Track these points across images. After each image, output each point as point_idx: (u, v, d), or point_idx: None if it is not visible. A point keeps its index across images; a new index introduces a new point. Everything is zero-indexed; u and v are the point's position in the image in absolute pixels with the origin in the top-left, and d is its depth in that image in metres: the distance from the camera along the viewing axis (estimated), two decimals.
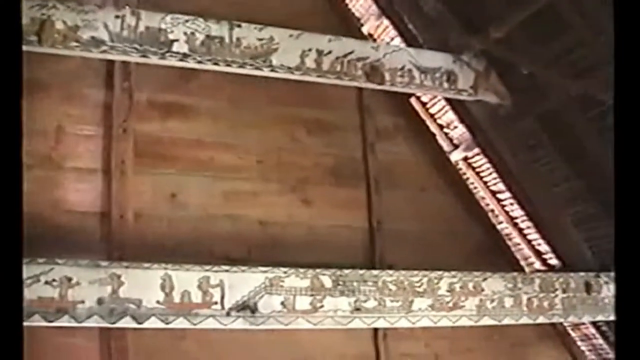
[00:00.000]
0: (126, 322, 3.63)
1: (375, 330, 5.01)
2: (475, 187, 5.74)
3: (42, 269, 3.47)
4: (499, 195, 5.65)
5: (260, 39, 4.28)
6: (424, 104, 5.76)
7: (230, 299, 3.81)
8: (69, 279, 3.51)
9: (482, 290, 4.42)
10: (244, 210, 4.96)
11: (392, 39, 5.57)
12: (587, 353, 5.74)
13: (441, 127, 5.75)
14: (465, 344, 5.31)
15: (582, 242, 5.09)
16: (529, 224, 5.55)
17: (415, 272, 4.30)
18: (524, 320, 4.53)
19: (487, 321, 4.41)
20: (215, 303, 3.78)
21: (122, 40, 3.96)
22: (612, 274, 4.75)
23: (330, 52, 4.44)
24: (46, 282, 3.47)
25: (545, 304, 4.59)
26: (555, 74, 4.59)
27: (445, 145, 5.75)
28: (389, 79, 4.58)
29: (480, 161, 5.61)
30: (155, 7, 4.17)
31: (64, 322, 3.50)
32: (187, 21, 4.12)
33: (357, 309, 4.08)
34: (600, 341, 5.56)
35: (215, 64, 4.18)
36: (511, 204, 5.60)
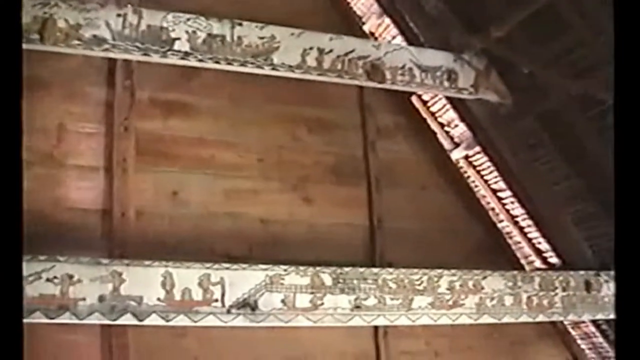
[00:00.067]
0: (127, 320, 3.64)
1: (376, 328, 5.04)
2: (476, 186, 5.75)
3: (43, 266, 3.49)
4: (500, 194, 5.65)
5: (262, 38, 4.28)
6: (424, 103, 5.77)
7: (231, 297, 3.82)
8: (70, 277, 3.53)
9: (482, 288, 4.42)
10: (245, 208, 4.98)
11: (394, 37, 5.57)
12: (587, 351, 5.75)
13: (442, 125, 5.76)
14: (466, 342, 5.33)
15: (582, 240, 5.09)
16: (530, 222, 5.56)
17: (415, 270, 4.31)
18: (524, 318, 4.53)
19: (486, 319, 4.41)
20: (216, 300, 3.79)
21: (124, 38, 3.96)
22: (612, 272, 4.76)
23: (331, 51, 4.44)
24: (47, 280, 3.48)
25: (545, 302, 4.59)
26: (555, 73, 4.60)
27: (446, 144, 5.75)
28: (390, 77, 4.59)
29: (481, 160, 5.61)
30: (157, 6, 4.17)
31: (65, 319, 3.51)
32: (188, 20, 4.13)
33: (357, 307, 4.09)
34: (600, 339, 5.57)
35: (217, 62, 4.18)
36: (512, 202, 5.60)
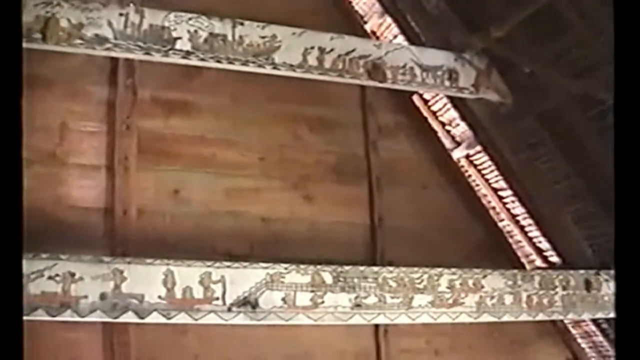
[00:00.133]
0: (128, 318, 3.65)
1: (376, 326, 5.05)
2: (477, 185, 5.76)
3: (45, 264, 3.50)
4: (500, 193, 5.66)
5: (263, 37, 4.30)
6: (426, 102, 5.78)
7: (232, 295, 3.84)
8: (72, 274, 3.54)
9: (482, 287, 4.43)
10: (246, 207, 4.99)
11: (395, 36, 5.59)
12: (588, 350, 5.76)
13: (443, 124, 5.77)
14: (466, 340, 5.34)
15: (582, 239, 5.10)
16: (530, 221, 5.57)
17: (416, 268, 4.31)
18: (524, 317, 4.54)
19: (486, 318, 4.42)
20: (217, 299, 3.80)
21: (126, 38, 3.98)
22: (612, 271, 4.78)
23: (332, 50, 4.46)
24: (49, 277, 3.49)
25: (545, 301, 4.59)
26: (555, 73, 4.61)
27: (447, 143, 5.76)
28: (391, 77, 4.60)
29: (482, 159, 5.63)
30: (158, 5, 4.18)
31: (67, 316, 3.52)
32: (190, 19, 4.14)
33: (358, 305, 4.10)
34: (601, 338, 5.58)
35: (218, 61, 4.20)
36: (512, 201, 5.62)
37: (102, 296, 3.59)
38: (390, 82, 4.61)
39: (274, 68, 4.32)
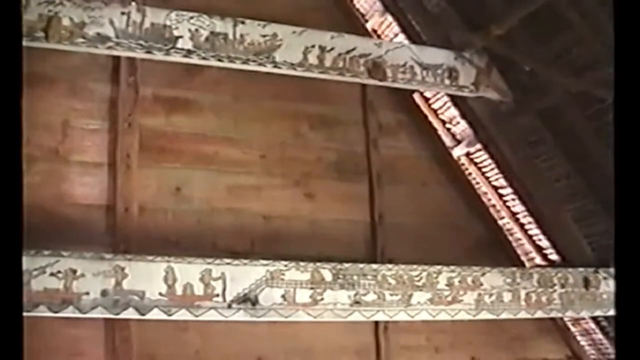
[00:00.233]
0: (129, 314, 3.69)
1: (376, 323, 5.07)
2: (477, 183, 5.78)
3: (47, 261, 3.54)
4: (501, 191, 5.67)
5: (264, 36, 4.32)
6: (426, 100, 5.79)
7: (232, 292, 3.87)
8: (74, 271, 3.58)
9: (481, 284, 4.45)
10: (248, 204, 5.03)
11: (396, 35, 5.60)
12: (587, 348, 5.77)
13: (443, 122, 5.78)
14: (466, 337, 5.36)
15: (582, 238, 5.12)
16: (530, 219, 5.58)
17: (415, 266, 4.34)
18: (522, 314, 4.56)
19: (485, 315, 4.44)
20: (217, 295, 3.83)
21: (128, 36, 4.01)
22: (611, 269, 4.80)
23: (332, 49, 4.48)
24: (51, 274, 3.53)
25: (544, 299, 4.61)
26: (555, 71, 4.63)
27: (448, 141, 5.78)
28: (391, 75, 4.62)
29: (482, 157, 5.64)
30: (160, 4, 4.22)
31: (69, 313, 3.56)
32: (191, 18, 4.16)
33: (357, 302, 4.13)
34: (600, 336, 5.59)
35: (219, 60, 4.22)
36: (512, 199, 5.62)
37: (104, 293, 3.63)
38: (390, 80, 4.63)
39: (275, 67, 4.35)
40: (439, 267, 4.38)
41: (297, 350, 4.91)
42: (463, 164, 5.77)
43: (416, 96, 5.76)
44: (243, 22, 4.29)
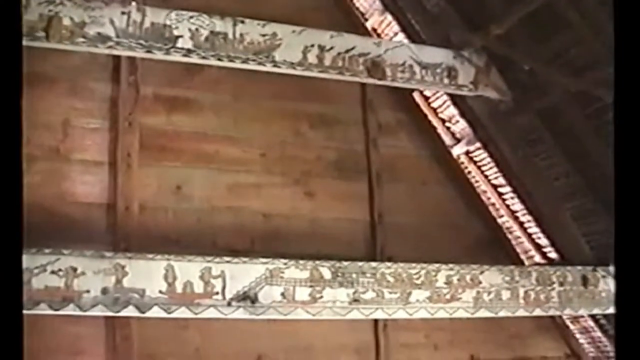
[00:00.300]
0: (130, 312, 3.71)
1: (376, 321, 5.09)
2: (477, 181, 5.79)
3: (48, 259, 3.57)
4: (500, 190, 5.69)
5: (264, 35, 4.34)
6: (426, 99, 5.81)
7: (231, 290, 3.89)
8: (75, 269, 3.60)
9: (480, 282, 4.47)
10: (248, 203, 5.04)
11: (396, 34, 5.62)
12: (586, 346, 5.79)
13: (443, 121, 5.80)
14: (465, 335, 5.38)
15: (580, 236, 5.14)
16: (529, 217, 5.60)
17: (414, 264, 4.36)
18: (521, 312, 4.58)
19: (483, 313, 4.46)
20: (217, 293, 3.86)
21: (128, 36, 4.03)
22: (609, 268, 4.82)
23: (332, 48, 4.50)
24: (52, 272, 3.56)
25: (542, 297, 4.63)
26: (554, 71, 4.64)
27: (448, 140, 5.80)
28: (390, 74, 4.64)
29: (482, 155, 5.66)
30: (160, 4, 4.24)
31: (70, 310, 3.59)
32: (191, 17, 4.19)
33: (356, 300, 4.15)
34: (599, 334, 5.61)
35: (219, 59, 4.25)
36: (512, 198, 5.64)
37: (104, 291, 3.65)
38: (389, 79, 4.65)
39: (275, 66, 4.37)
40: (437, 265, 4.41)
41: (297, 348, 4.93)
42: (462, 163, 5.78)
43: (416, 95, 5.78)
44: (243, 22, 4.31)
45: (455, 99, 5.53)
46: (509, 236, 5.80)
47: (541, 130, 5.05)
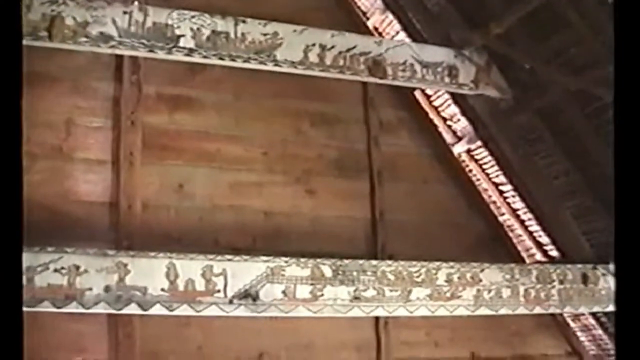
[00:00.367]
0: (132, 309, 3.74)
1: (377, 318, 5.11)
2: (478, 180, 5.81)
3: (51, 257, 3.59)
4: (501, 188, 5.71)
5: (265, 34, 4.36)
6: (427, 97, 5.83)
7: (233, 287, 3.92)
8: (77, 267, 3.63)
9: (480, 280, 4.49)
10: (249, 201, 5.06)
11: (397, 33, 5.63)
12: (587, 344, 5.81)
13: (444, 120, 5.82)
14: (465, 333, 5.40)
15: (581, 234, 5.15)
16: (530, 216, 5.62)
17: (414, 262, 4.38)
18: (521, 310, 4.59)
19: (484, 311, 4.48)
20: (218, 291, 3.88)
21: (130, 35, 4.06)
22: (609, 266, 4.83)
23: (333, 47, 4.52)
24: (55, 270, 3.59)
25: (542, 294, 4.64)
26: (554, 69, 4.66)
27: (449, 138, 5.81)
28: (391, 73, 4.66)
29: (482, 154, 5.68)
30: (162, 3, 4.26)
31: (72, 308, 3.61)
32: (193, 17, 4.21)
33: (357, 298, 4.18)
34: (600, 332, 5.63)
35: (221, 58, 4.27)
36: (512, 196, 5.66)
37: (107, 288, 3.68)
38: (390, 78, 4.67)
39: (276, 65, 4.39)
40: (438, 263, 4.42)
41: (298, 346, 4.95)
42: (463, 161, 5.80)
43: (417, 94, 5.79)
44: (244, 21, 4.34)
45: (456, 98, 5.55)
46: (510, 234, 5.82)
47: (541, 129, 5.07)
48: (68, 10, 3.92)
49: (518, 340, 5.62)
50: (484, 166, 5.72)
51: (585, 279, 4.78)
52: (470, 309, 4.45)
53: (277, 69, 4.41)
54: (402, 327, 5.20)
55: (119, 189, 4.68)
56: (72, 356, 4.39)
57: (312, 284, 4.09)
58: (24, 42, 3.59)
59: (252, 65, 4.36)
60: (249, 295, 3.93)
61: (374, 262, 4.38)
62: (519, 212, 5.70)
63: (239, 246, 4.68)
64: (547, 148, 5.11)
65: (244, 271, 3.98)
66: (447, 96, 5.66)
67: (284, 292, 4.03)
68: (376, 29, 5.78)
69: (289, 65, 4.42)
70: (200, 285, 3.86)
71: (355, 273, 4.22)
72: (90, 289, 3.64)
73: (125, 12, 4.07)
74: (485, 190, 5.80)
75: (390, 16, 5.64)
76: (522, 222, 5.72)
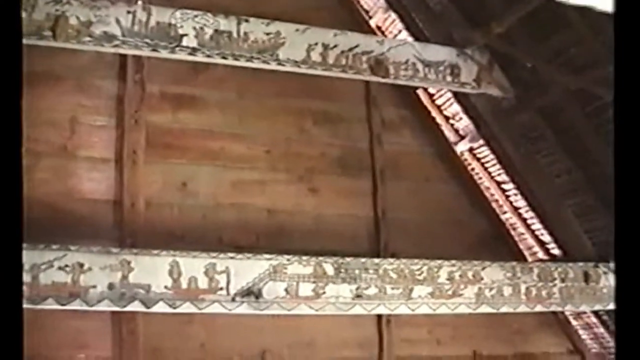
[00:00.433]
0: (135, 307, 3.77)
1: (379, 316, 5.13)
2: (480, 178, 5.82)
3: (55, 255, 3.62)
4: (503, 186, 5.72)
5: (268, 34, 4.38)
6: (430, 96, 5.84)
7: (236, 285, 3.94)
8: (81, 265, 3.66)
9: (482, 279, 4.50)
10: (253, 199, 5.09)
11: (399, 32, 5.65)
12: (589, 342, 5.82)
13: (447, 118, 5.83)
14: (467, 331, 5.42)
15: (582, 233, 5.16)
16: (532, 214, 5.63)
17: (416, 260, 4.40)
18: (522, 308, 4.61)
19: (485, 309, 4.49)
20: (221, 289, 3.90)
21: (134, 35, 4.08)
22: (611, 264, 4.84)
23: (335, 46, 4.53)
24: (59, 268, 3.61)
25: (544, 293, 4.65)
26: (554, 69, 4.67)
27: (451, 137, 5.82)
28: (393, 72, 4.67)
29: (485, 152, 5.69)
30: (165, 3, 4.28)
31: (76, 305, 3.64)
32: (196, 16, 4.23)
33: (358, 296, 4.19)
34: (602, 330, 5.64)
35: (224, 57, 4.29)
36: (514, 194, 5.67)
37: (110, 286, 3.71)
38: (392, 77, 4.68)
39: (279, 64, 4.41)
40: (439, 261, 4.44)
41: (300, 343, 4.98)
42: (466, 160, 5.81)
43: (420, 92, 5.80)
44: (247, 20, 4.36)
45: (459, 97, 5.56)
46: (512, 232, 5.83)
47: (543, 127, 5.09)
48: (72, 10, 3.94)
49: (520, 338, 5.64)
50: (486, 165, 5.73)
51: (586, 277, 4.79)
52: (472, 307, 4.46)
53: (279, 68, 4.43)
54: (404, 325, 5.22)
55: (122, 187, 4.72)
56: (76, 353, 4.43)
57: (314, 282, 4.12)
58: (29, 41, 3.65)
59: (255, 64, 4.37)
60: (251, 293, 3.95)
61: (376, 260, 4.40)
62: (520, 211, 5.71)
63: (242, 244, 4.69)
64: (548, 147, 5.12)
65: (246, 269, 4.00)
66: (449, 95, 5.67)
67: (286, 289, 4.05)
68: (379, 28, 5.79)
69: (291, 64, 4.43)
70: (203, 283, 3.88)
71: (357, 271, 4.24)
72: (94, 286, 3.67)
73: (128, 12, 4.09)
74: (487, 188, 5.81)
75: (393, 15, 5.65)
76: (523, 220, 5.73)
